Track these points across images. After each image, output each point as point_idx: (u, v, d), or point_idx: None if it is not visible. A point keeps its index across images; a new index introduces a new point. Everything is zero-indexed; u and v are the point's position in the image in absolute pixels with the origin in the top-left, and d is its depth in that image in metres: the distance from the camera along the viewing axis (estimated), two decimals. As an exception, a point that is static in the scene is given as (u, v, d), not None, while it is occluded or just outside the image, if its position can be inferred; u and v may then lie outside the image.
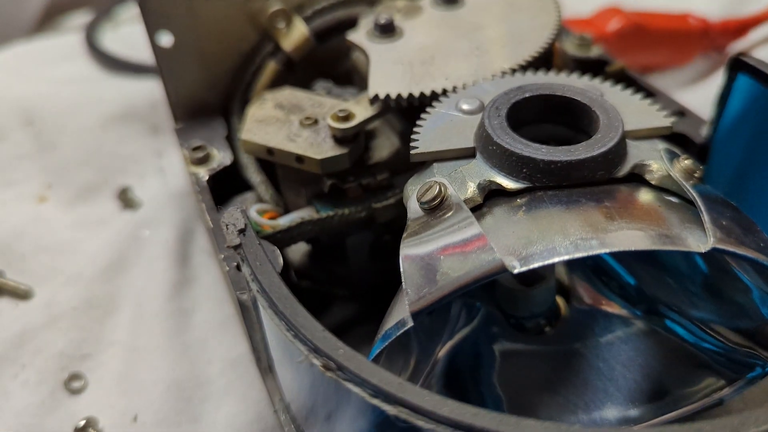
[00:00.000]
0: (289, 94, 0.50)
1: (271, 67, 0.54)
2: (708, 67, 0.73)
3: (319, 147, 0.45)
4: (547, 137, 0.39)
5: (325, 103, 0.49)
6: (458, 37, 0.48)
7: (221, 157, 0.51)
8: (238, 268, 0.43)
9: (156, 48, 0.52)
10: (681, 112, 0.49)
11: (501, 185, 0.35)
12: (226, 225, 0.35)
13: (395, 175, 0.48)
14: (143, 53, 0.77)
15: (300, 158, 0.45)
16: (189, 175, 0.50)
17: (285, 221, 0.46)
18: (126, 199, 0.61)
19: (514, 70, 0.44)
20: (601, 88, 0.41)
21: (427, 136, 0.39)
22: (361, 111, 0.45)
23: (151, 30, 0.51)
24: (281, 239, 0.46)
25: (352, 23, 0.55)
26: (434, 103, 0.41)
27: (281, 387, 0.41)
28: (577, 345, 0.44)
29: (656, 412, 0.41)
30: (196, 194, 0.49)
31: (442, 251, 0.32)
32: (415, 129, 0.40)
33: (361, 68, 0.53)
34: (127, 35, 0.82)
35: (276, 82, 0.54)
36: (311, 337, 0.29)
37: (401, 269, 0.32)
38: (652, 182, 0.36)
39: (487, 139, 0.36)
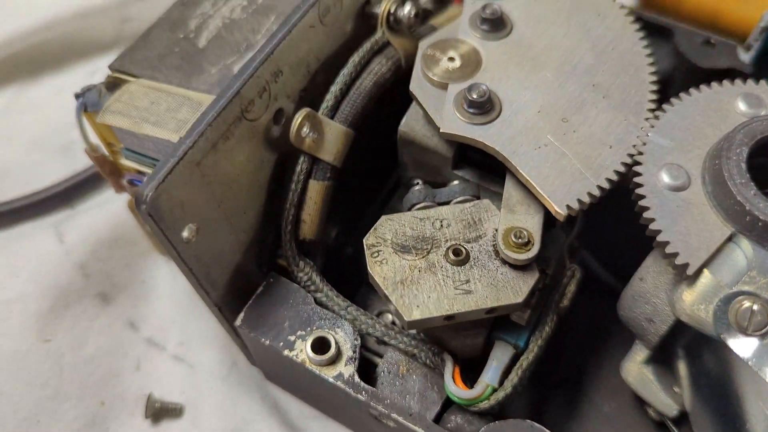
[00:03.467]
0: (389, 224, 0.38)
1: (315, 189, 0.40)
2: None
3: (506, 285, 0.36)
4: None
5: (446, 217, 0.38)
6: (560, 78, 0.39)
7: (347, 338, 0.39)
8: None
9: (179, 248, 0.35)
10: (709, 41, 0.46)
11: (809, 271, 0.33)
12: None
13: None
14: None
15: (493, 309, 0.36)
16: (318, 378, 0.38)
17: (492, 378, 0.38)
18: (160, 411, 0.45)
19: (658, 106, 0.38)
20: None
21: (679, 240, 0.34)
22: (532, 225, 0.37)
23: (174, 234, 0.35)
24: (505, 403, 0.38)
25: (382, 92, 0.42)
26: (638, 191, 0.35)
27: None
28: None
29: None
30: (358, 405, 0.38)
31: None
32: (659, 237, 0.34)
33: (421, 142, 0.42)
34: None
35: (327, 203, 0.41)
36: None
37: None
38: None
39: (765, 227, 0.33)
